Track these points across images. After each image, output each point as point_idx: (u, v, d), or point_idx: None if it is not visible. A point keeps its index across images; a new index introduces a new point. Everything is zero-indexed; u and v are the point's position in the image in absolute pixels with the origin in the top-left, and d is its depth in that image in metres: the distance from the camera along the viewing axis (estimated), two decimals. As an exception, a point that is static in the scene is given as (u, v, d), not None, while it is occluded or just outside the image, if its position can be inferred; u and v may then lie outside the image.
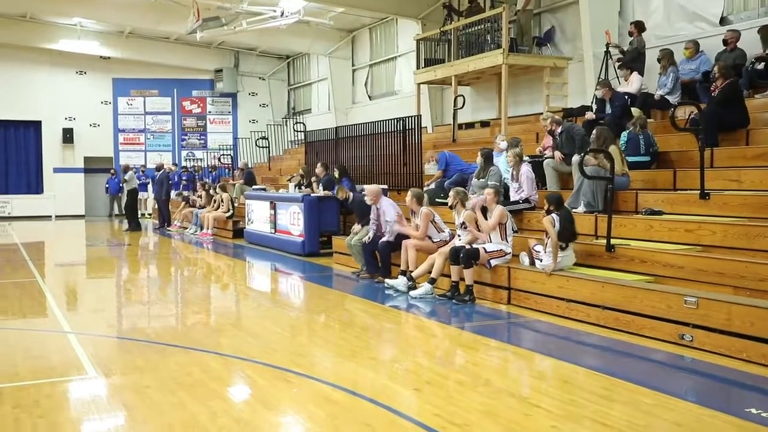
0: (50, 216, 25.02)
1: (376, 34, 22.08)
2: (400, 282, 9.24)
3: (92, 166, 26.53)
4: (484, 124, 16.18)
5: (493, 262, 8.48)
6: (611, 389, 5.10)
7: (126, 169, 20.37)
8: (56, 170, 25.87)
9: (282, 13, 18.74)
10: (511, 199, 9.83)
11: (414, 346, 6.90)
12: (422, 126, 14.40)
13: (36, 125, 25.96)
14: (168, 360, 6.01)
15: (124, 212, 20.10)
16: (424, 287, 8.93)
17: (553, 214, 7.82)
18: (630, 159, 9.51)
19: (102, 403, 4.94)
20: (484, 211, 8.77)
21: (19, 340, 7.03)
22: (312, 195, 13.64)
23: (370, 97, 22.51)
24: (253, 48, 26.48)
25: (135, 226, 19.84)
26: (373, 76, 22.42)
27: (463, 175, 11.54)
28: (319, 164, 14.93)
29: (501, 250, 8.50)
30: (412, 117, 13.76)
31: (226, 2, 18.75)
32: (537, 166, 10.36)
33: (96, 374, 5.61)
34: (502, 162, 10.81)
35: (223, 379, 5.55)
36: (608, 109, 10.72)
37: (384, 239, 10.07)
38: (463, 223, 8.80)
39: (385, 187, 12.02)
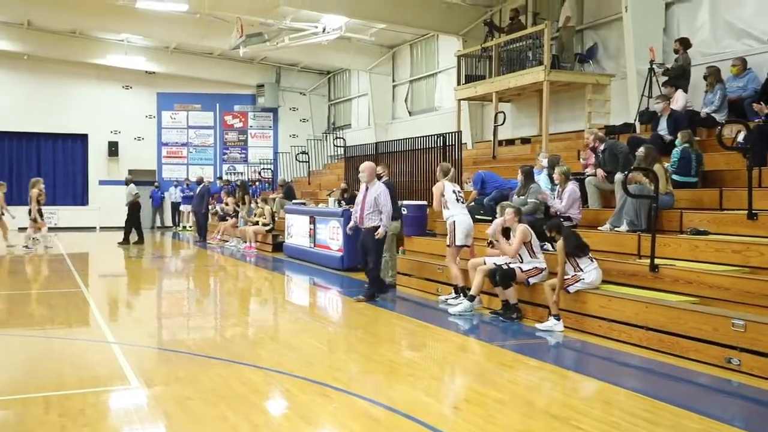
0: (95, 227, 25.51)
1: (416, 50, 22.16)
2: (466, 306, 8.92)
3: (136, 179, 26.97)
4: (525, 140, 16.09)
5: (532, 281, 8.41)
6: (655, 412, 5.00)
7: (128, 182, 20.27)
8: (101, 182, 26.41)
9: (324, 30, 18.93)
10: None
11: (453, 364, 6.86)
12: (462, 142, 14.38)
13: (82, 138, 26.56)
14: (209, 372, 6.06)
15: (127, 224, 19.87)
16: (464, 304, 8.89)
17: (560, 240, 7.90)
18: (678, 179, 9.36)
19: (144, 414, 5.00)
20: (507, 232, 8.72)
21: (64, 349, 7.16)
22: (351, 210, 13.66)
23: (410, 113, 22.56)
24: (295, 63, 26.77)
25: (138, 239, 19.71)
26: (414, 91, 22.48)
27: (503, 191, 11.47)
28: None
29: (536, 267, 8.42)
30: (452, 133, 13.75)
31: (270, 18, 19.00)
32: (578, 184, 10.26)
33: (139, 385, 5.68)
34: (542, 179, 10.74)
35: (262, 393, 5.58)
36: (661, 125, 10.58)
37: (378, 231, 9.68)
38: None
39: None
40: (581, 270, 7.76)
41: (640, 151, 9.16)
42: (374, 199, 9.78)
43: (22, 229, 19.53)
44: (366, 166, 10.09)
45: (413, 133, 15.77)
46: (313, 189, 22.27)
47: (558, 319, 7.80)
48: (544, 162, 11.15)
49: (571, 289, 7.78)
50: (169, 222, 27.14)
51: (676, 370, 6.18)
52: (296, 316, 9.87)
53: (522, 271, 8.40)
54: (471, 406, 5.19)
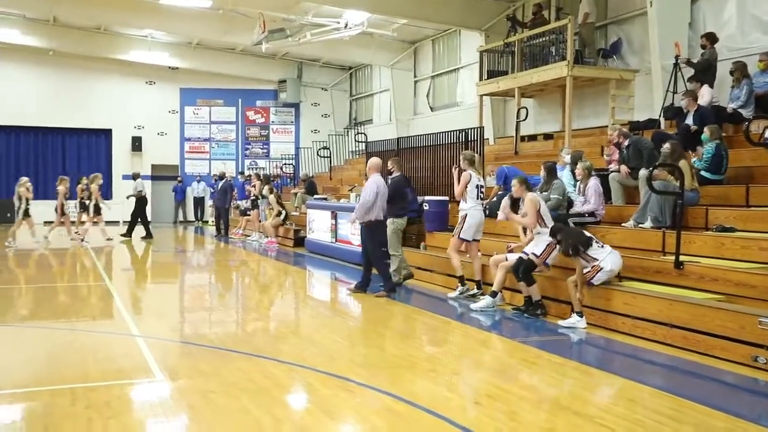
0: (118, 221, 25.72)
1: (438, 46, 22.09)
2: (488, 302, 8.89)
3: (159, 174, 27.23)
4: (548, 136, 15.99)
5: (549, 262, 8.43)
6: (680, 410, 4.96)
7: (135, 176, 20.32)
8: (124, 177, 26.58)
9: (346, 25, 18.94)
10: (576, 212, 9.68)
11: (475, 359, 6.84)
12: (485, 138, 14.33)
13: (106, 133, 26.82)
14: (231, 366, 6.10)
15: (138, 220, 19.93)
16: (485, 300, 8.87)
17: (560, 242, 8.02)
18: (708, 176, 9.26)
19: (169, 406, 5.04)
20: (516, 207, 8.91)
21: (89, 342, 7.24)
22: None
23: (431, 108, 22.51)
24: (317, 59, 26.81)
25: (146, 234, 19.76)
26: (435, 87, 22.42)
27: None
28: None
29: (548, 245, 8.36)
30: (474, 129, 13.71)
31: (292, 14, 19.04)
32: (602, 179, 10.18)
33: (162, 377, 5.73)
34: (565, 175, 10.67)
35: (285, 387, 5.60)
36: (688, 121, 10.46)
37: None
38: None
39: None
40: (596, 260, 7.71)
41: (666, 147, 9.05)
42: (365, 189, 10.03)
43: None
44: (372, 162, 10.39)
45: (435, 129, 15.71)
46: (334, 184, 22.31)
47: (581, 316, 7.75)
48: (567, 158, 11.07)
49: (596, 280, 7.72)
50: (191, 217, 27.34)
51: (701, 368, 6.12)
52: (317, 311, 9.90)
53: (537, 256, 8.38)
54: (493, 401, 5.17)
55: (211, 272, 14.08)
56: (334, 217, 14.95)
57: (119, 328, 7.92)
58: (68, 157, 26.62)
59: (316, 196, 18.38)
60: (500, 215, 9.25)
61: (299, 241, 17.43)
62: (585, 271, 7.75)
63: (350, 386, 5.49)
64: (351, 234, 13.99)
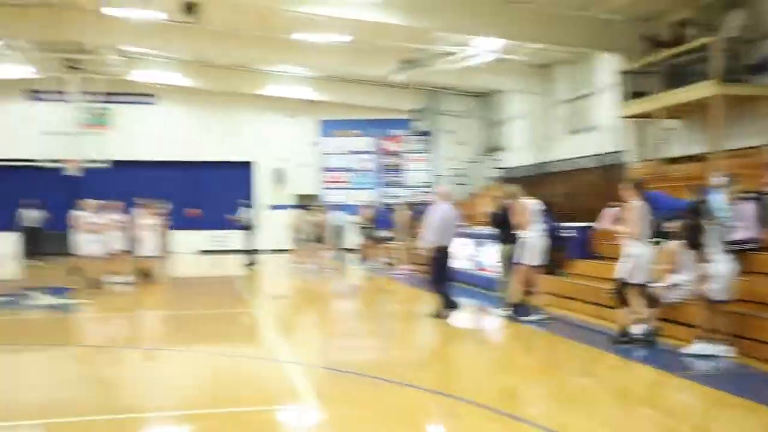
0: (263, 250, 26.83)
1: (574, 69, 21.65)
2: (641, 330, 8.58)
3: (301, 204, 28.20)
4: (695, 158, 15.24)
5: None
6: None
7: (246, 206, 21.04)
8: (269, 207, 27.81)
9: (478, 52, 18.98)
10: (732, 239, 9.14)
11: (630, 392, 6.59)
12: (625, 161, 13.87)
13: (250, 166, 28.15)
14: (379, 393, 6.20)
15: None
16: (641, 328, 8.48)
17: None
18: None
19: (322, 432, 5.19)
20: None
21: (241, 367, 7.59)
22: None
23: (569, 133, 22.05)
24: (450, 87, 26.97)
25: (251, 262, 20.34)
26: (571, 111, 21.96)
27: (672, 212, 10.91)
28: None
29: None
30: (614, 153, 13.30)
31: (425, 44, 19.33)
32: (758, 203, 9.58)
33: (312, 404, 5.90)
34: (716, 199, 10.10)
35: (433, 416, 5.64)
36: None
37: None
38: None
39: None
40: (709, 262, 7.46)
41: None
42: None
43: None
44: (441, 189, 11.31)
45: (572, 154, 15.42)
46: (471, 211, 22.25)
47: (718, 343, 7.28)
48: (718, 181, 10.50)
49: (713, 294, 7.44)
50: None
51: None
52: (460, 339, 9.89)
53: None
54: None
55: (352, 299, 14.39)
56: (474, 244, 14.90)
57: (268, 353, 8.24)
58: (213, 189, 28.15)
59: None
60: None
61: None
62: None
63: (498, 417, 5.44)
64: (492, 262, 13.88)
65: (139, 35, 20.29)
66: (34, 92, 25.45)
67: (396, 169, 28.75)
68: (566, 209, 14.07)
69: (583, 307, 10.65)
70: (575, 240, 12.22)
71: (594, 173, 13.36)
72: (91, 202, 15.07)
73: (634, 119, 16.93)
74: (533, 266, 10.05)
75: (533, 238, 10.00)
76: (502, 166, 20.98)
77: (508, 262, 10.88)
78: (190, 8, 16.40)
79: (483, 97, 27.73)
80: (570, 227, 12.38)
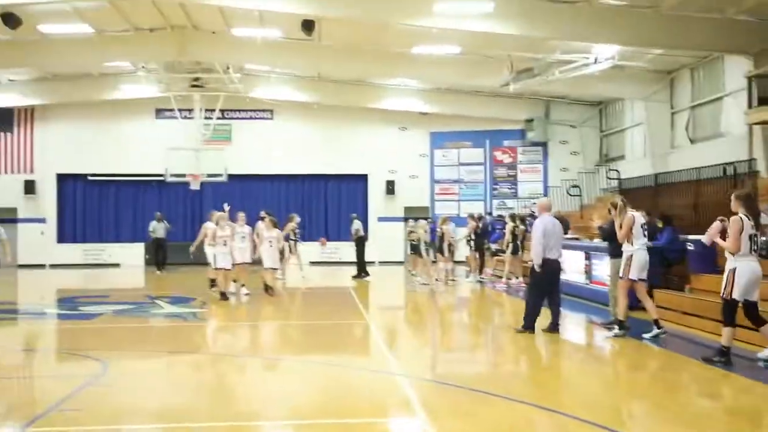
0: (373, 261, 27.11)
1: (698, 74, 20.67)
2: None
3: (411, 216, 28.32)
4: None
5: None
6: None
7: (354, 219, 21.06)
8: (380, 219, 28.10)
9: (595, 60, 18.46)
10: None
11: (757, 420, 6.15)
12: (756, 170, 13.08)
13: (363, 178, 28.54)
14: (489, 408, 6.07)
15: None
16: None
17: None
18: None
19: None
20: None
21: (350, 378, 7.64)
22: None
23: (691, 141, 21.03)
24: (564, 96, 26.39)
25: (363, 273, 20.38)
26: (695, 118, 20.95)
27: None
28: (642, 212, 14.22)
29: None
30: (743, 161, 12.57)
31: (539, 53, 19.00)
32: None
33: (423, 416, 5.85)
34: None
35: (545, 434, 5.45)
36: None
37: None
38: None
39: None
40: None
41: None
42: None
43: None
44: (541, 201, 11.17)
45: (695, 163, 14.69)
46: (585, 223, 21.61)
47: None
48: None
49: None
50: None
51: None
52: (572, 354, 9.58)
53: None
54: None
55: (461, 311, 14.27)
56: (588, 257, 14.45)
57: (379, 365, 8.26)
58: (329, 202, 28.74)
59: (567, 236, 17.90)
60: (704, 238, 8.53)
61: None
62: None
63: (615, 438, 5.20)
64: (606, 276, 13.40)
65: (260, 53, 21.08)
66: (160, 110, 26.92)
67: (508, 180, 28.36)
68: (688, 221, 13.40)
69: (704, 323, 10.08)
70: (697, 253, 11.59)
71: (719, 183, 12.65)
72: (222, 214, 15.26)
73: (763, 126, 15.97)
74: (638, 280, 9.77)
75: (637, 252, 9.75)
76: (618, 176, 20.23)
77: (617, 276, 10.60)
78: (308, 27, 16.83)
79: (598, 105, 26.98)
80: (692, 240, 11.77)
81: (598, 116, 27.31)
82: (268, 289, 15.27)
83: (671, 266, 12.16)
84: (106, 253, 26.95)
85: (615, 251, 10.57)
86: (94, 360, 8.23)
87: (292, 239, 19.32)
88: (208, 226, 15.43)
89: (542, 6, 15.94)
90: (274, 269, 16.06)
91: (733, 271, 7.94)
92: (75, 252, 26.91)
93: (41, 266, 25.54)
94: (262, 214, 17.13)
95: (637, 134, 23.98)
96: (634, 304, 11.17)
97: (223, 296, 14.52)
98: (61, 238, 27.34)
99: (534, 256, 10.29)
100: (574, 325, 12.48)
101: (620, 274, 9.96)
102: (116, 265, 26.15)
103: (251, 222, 16.39)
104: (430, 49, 19.82)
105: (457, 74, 22.75)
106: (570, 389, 6.95)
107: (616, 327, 9.90)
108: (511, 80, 19.48)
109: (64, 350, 9.82)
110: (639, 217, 9.87)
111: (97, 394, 6.80)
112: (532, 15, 16.13)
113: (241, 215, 15.63)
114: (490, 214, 26.03)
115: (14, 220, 25.84)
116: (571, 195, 23.52)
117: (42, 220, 26.84)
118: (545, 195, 26.25)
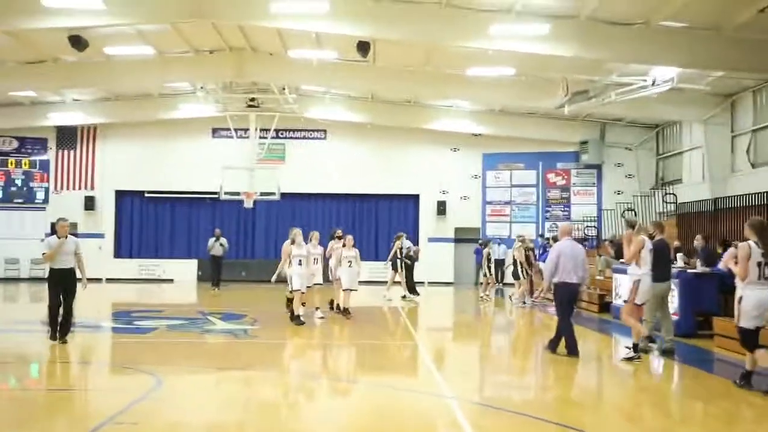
0: (423, 282, 27.02)
1: (760, 96, 20.16)
2: None
3: (461, 237, 28.20)
4: None
5: None
6: None
7: (397, 238, 20.71)
8: (430, 240, 28.03)
9: (653, 82, 18.17)
10: None
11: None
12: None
13: (414, 198, 28.55)
14: None
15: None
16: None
17: None
18: None
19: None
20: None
21: (399, 399, 7.60)
22: (688, 271, 12.74)
23: (752, 165, 20.49)
24: (620, 118, 26.02)
25: (413, 293, 20.23)
26: (757, 141, 20.41)
27: None
28: (698, 236, 13.95)
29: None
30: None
31: (595, 75, 18.79)
32: None
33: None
34: None
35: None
36: None
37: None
38: None
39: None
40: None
41: None
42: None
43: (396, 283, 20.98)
44: (563, 226, 11.54)
45: (757, 188, 14.29)
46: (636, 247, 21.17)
47: None
48: None
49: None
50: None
51: None
52: (623, 381, 9.35)
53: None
54: None
55: (509, 334, 14.10)
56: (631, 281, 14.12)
57: (428, 387, 8.21)
58: (380, 222, 28.81)
59: (622, 260, 17.59)
60: (721, 264, 8.48)
61: (604, 307, 16.78)
62: None
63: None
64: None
65: (315, 74, 21.35)
66: (216, 129, 27.48)
67: (561, 202, 28.03)
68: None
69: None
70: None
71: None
72: (298, 231, 14.10)
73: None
74: (639, 305, 10.25)
75: (644, 277, 10.11)
76: (675, 200, 19.79)
77: (661, 300, 10.81)
78: (364, 48, 17.00)
79: (655, 128, 26.52)
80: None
81: (654, 139, 26.84)
82: (345, 311, 14.70)
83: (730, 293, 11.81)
84: (161, 269, 27.47)
85: (657, 276, 10.47)
86: (148, 374, 8.37)
87: (398, 258, 19.70)
88: (290, 246, 13.86)
89: (599, 28, 15.78)
90: (352, 290, 15.08)
91: (740, 299, 8.09)
92: (131, 267, 27.52)
93: (98, 280, 26.18)
94: (339, 232, 16.34)
95: (696, 157, 23.47)
96: (694, 331, 10.95)
97: (298, 320, 13.52)
98: (118, 253, 28.02)
99: (544, 279, 10.74)
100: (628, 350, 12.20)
101: (625, 298, 10.41)
102: (170, 280, 26.63)
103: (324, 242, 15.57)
104: (484, 70, 19.78)
105: (510, 96, 22.65)
106: (625, 418, 6.79)
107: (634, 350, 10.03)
108: (566, 102, 19.30)
109: (118, 364, 10.02)
110: (648, 243, 10.16)
111: (152, 408, 6.91)
112: (588, 37, 15.97)
113: (315, 234, 14.82)
114: (542, 236, 25.76)
115: (75, 235, 26.19)
116: (625, 219, 23.07)
117: (101, 236, 27.53)
118: (599, 218, 25.91)
